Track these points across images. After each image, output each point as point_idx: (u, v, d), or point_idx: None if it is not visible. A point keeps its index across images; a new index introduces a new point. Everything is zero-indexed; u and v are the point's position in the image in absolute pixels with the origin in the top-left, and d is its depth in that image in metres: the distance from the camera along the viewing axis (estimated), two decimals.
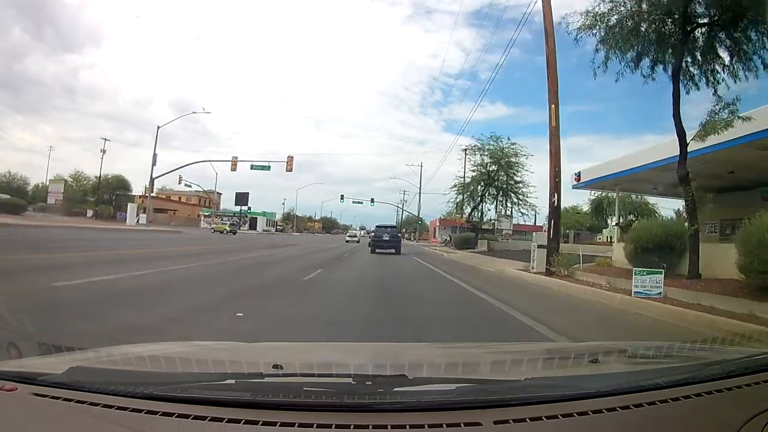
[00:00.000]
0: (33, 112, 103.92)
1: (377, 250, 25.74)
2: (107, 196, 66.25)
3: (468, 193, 39.54)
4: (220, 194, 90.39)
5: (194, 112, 48.55)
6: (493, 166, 37.43)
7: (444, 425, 1.10)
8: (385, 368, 1.75)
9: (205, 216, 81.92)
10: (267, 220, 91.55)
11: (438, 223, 76.95)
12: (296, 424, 1.08)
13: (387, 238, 26.69)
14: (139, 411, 1.13)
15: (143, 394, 1.18)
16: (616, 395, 1.27)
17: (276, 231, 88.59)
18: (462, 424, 1.11)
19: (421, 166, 70.59)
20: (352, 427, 1.09)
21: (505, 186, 38.03)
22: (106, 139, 63.16)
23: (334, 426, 1.09)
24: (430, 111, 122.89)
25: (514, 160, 36.76)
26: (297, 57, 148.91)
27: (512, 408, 1.19)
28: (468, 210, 40.88)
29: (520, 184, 37.59)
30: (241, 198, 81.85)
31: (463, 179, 39.58)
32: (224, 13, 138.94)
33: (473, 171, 38.76)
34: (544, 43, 14.28)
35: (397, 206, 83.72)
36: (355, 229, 78.08)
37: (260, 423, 1.09)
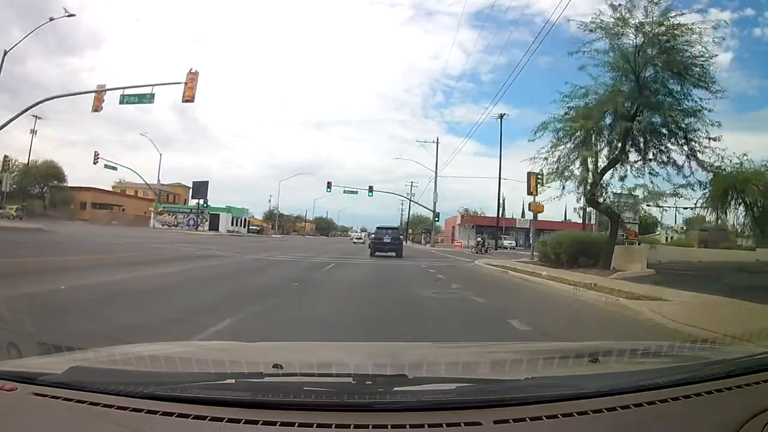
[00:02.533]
0: (33, 114, 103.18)
1: (377, 253, 25.15)
2: (38, 188, 55.82)
3: (583, 134, 15.97)
4: (189, 188, 73.56)
5: (52, 19, 36.93)
6: (651, 69, 15.43)
7: (444, 425, 1.10)
8: (385, 368, 1.75)
9: (156, 212, 66.03)
10: (233, 218, 70.64)
11: (458, 222, 61.69)
12: (296, 424, 1.08)
13: (388, 241, 26.16)
14: (139, 411, 1.13)
15: (143, 394, 1.18)
16: (616, 395, 1.27)
17: (250, 232, 70.98)
18: (462, 424, 1.11)
19: (437, 142, 51.46)
20: (352, 426, 1.09)
21: (669, 119, 15.73)
22: (37, 117, 48.98)
23: (334, 426, 1.09)
24: (431, 113, 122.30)
25: (692, 52, 14.83)
26: (297, 59, 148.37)
27: (512, 408, 1.19)
28: (585, 175, 16.58)
29: (701, 113, 15.37)
30: (199, 189, 62.57)
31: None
32: (224, 16, 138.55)
33: (601, 90, 15.95)
34: None
35: (404, 197, 65.59)
36: (357, 231, 75.61)
37: (260, 423, 1.09)
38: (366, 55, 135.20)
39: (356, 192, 54.89)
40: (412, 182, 66.73)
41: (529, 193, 24.55)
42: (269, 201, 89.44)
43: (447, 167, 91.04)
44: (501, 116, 38.35)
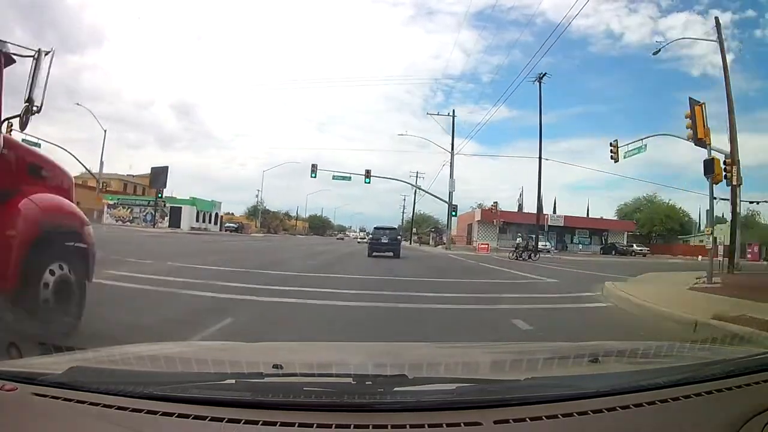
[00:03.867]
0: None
1: (374, 253, 25.10)
2: None
3: None
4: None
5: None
6: None
7: (444, 425, 1.10)
8: (385, 368, 1.75)
9: (109, 204, 56.04)
10: (199, 213, 59.17)
11: (477, 218, 52.07)
12: (296, 424, 1.08)
13: (386, 241, 26.28)
14: (139, 411, 1.13)
15: (143, 394, 1.18)
16: (616, 395, 1.27)
17: (226, 230, 62.44)
18: (462, 424, 1.11)
19: (453, 115, 41.66)
20: (352, 426, 1.09)
21: None
22: None
23: (334, 426, 1.09)
24: (431, 113, 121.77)
25: None
26: (298, 59, 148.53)
27: (512, 408, 1.19)
28: None
29: None
30: (158, 177, 50.92)
31: None
32: (225, 15, 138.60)
33: None
34: None
35: (409, 184, 53.61)
36: (355, 231, 75.33)
37: (260, 423, 1.09)
38: (368, 54, 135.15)
39: (349, 178, 42.98)
40: (417, 172, 56.42)
41: (699, 141, 13.85)
42: (256, 196, 78.04)
43: (446, 167, 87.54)
44: (540, 77, 31.13)
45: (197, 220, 58.62)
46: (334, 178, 43.14)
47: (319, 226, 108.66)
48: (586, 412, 1.18)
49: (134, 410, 1.13)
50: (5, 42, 4.08)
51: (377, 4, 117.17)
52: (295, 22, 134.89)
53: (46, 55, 4.14)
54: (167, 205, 54.64)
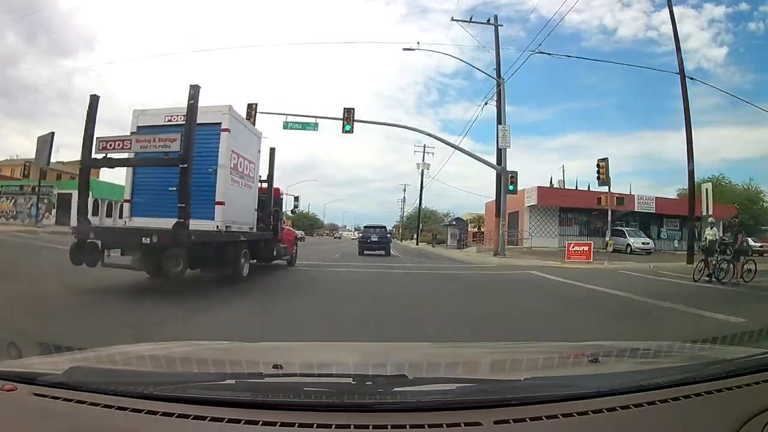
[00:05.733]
0: (28, 117, 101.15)
1: (366, 252, 25.50)
2: None
3: None
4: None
5: None
6: None
7: (444, 425, 1.10)
8: (385, 368, 1.75)
9: None
10: (102, 202, 33.60)
11: (533, 202, 32.75)
12: (296, 424, 1.08)
13: (375, 239, 26.70)
14: (139, 411, 1.13)
15: (143, 394, 1.18)
16: (616, 395, 1.26)
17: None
18: (462, 424, 1.10)
19: (497, 23, 25.10)
20: (352, 426, 1.09)
21: None
22: None
23: (334, 426, 1.09)
24: (426, 111, 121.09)
25: None
26: (291, 58, 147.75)
27: (512, 408, 1.18)
28: None
29: None
30: (41, 151, 30.51)
31: None
32: (217, 15, 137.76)
33: None
34: None
35: (420, 131, 31.38)
36: (350, 230, 73.01)
37: (260, 423, 1.09)
38: (361, 53, 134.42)
39: (313, 126, 25.81)
40: (425, 146, 40.49)
41: None
42: None
43: (444, 166, 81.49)
44: None
45: (95, 213, 31.38)
46: (286, 126, 25.69)
47: (306, 225, 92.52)
48: (586, 412, 1.18)
49: (134, 410, 1.13)
50: (283, 192, 17.63)
51: (370, 3, 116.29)
52: (289, 22, 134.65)
53: (297, 200, 22.84)
54: (55, 191, 35.95)
